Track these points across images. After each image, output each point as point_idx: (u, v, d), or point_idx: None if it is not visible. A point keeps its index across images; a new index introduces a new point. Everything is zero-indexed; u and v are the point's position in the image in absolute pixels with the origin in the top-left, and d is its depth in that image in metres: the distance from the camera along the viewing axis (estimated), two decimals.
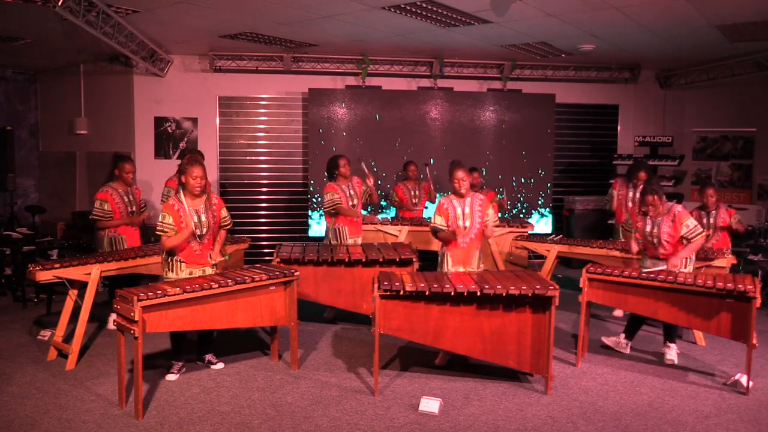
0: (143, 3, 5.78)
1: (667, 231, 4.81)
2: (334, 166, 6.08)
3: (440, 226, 4.84)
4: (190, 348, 4.84)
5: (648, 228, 4.92)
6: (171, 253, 4.48)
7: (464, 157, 8.43)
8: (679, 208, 4.84)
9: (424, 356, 5.04)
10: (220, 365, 4.82)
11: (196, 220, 4.44)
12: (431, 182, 7.44)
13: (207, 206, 4.54)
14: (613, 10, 5.87)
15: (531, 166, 8.75)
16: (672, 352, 4.97)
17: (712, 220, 5.85)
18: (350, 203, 6.04)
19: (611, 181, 6.57)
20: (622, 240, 6.23)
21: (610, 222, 6.73)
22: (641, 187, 6.13)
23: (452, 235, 4.78)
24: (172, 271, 4.50)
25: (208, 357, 4.84)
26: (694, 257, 4.94)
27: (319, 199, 8.40)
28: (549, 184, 8.81)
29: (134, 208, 5.69)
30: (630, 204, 6.27)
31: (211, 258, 4.61)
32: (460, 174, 4.78)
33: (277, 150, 8.77)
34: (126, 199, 5.63)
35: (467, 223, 4.81)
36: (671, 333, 5.04)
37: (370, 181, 6.32)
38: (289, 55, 8.24)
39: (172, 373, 4.59)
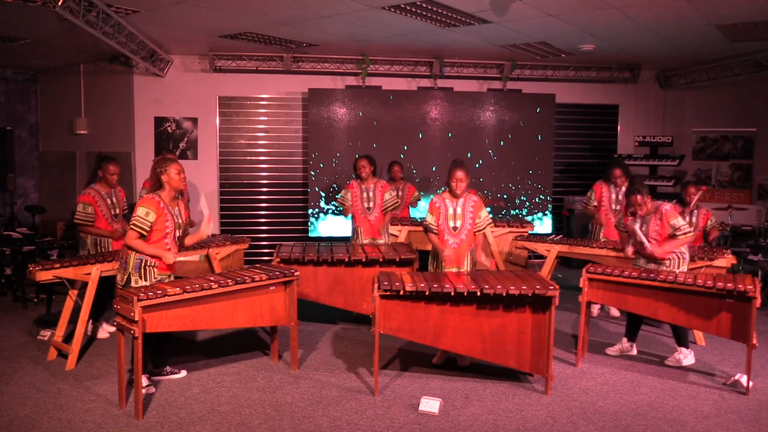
0: (143, 3, 5.78)
1: (656, 229, 4.83)
2: (354, 166, 6.24)
3: (431, 225, 4.84)
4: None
5: (637, 226, 4.92)
6: (137, 251, 4.16)
7: (464, 157, 8.47)
8: (667, 206, 4.85)
9: (424, 356, 5.04)
10: (183, 373, 4.61)
11: (178, 221, 4.34)
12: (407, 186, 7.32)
13: (180, 209, 4.42)
14: (613, 10, 5.87)
15: (531, 166, 8.75)
16: (680, 356, 4.92)
17: (694, 219, 5.89)
18: (365, 205, 6.09)
19: (594, 184, 6.54)
20: (602, 240, 6.22)
21: (589, 225, 6.63)
22: (621, 186, 6.18)
23: (439, 246, 4.81)
24: (145, 279, 4.19)
25: (167, 369, 4.59)
26: (687, 257, 4.91)
27: (326, 199, 8.41)
28: (540, 185, 8.82)
29: (117, 211, 5.55)
30: (614, 206, 6.26)
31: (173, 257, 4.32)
32: (459, 174, 4.77)
33: (277, 150, 8.77)
34: (109, 201, 5.47)
35: (458, 224, 4.81)
36: (681, 337, 4.96)
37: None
38: (289, 55, 8.24)
39: (149, 386, 4.32)
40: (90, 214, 5.34)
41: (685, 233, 4.76)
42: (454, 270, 4.81)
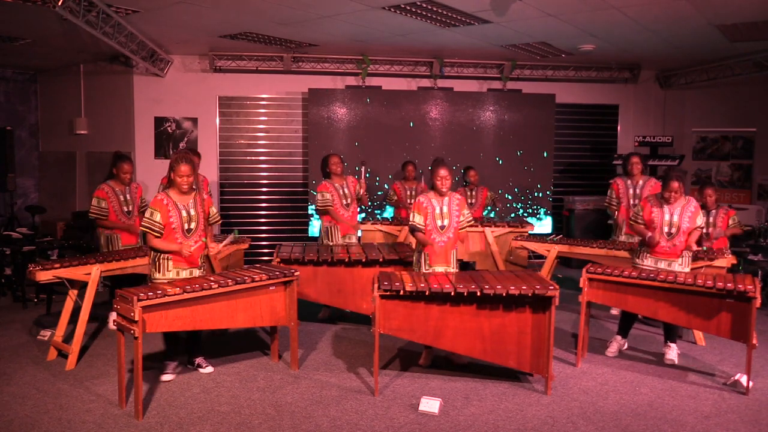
0: (143, 3, 5.78)
1: (687, 220, 4.81)
2: (325, 164, 6.23)
3: (419, 225, 4.82)
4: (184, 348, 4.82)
5: (667, 217, 4.84)
6: (157, 250, 4.35)
7: (464, 157, 8.47)
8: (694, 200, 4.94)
9: None
10: (210, 369, 4.72)
11: (185, 215, 4.36)
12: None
13: (195, 202, 4.45)
14: (613, 10, 5.87)
15: (531, 166, 8.75)
16: (672, 353, 4.97)
17: (711, 219, 5.85)
18: (343, 202, 6.12)
19: (611, 181, 6.47)
20: (623, 239, 6.18)
21: (610, 222, 6.66)
22: (636, 175, 6.07)
23: (428, 240, 4.80)
24: (159, 272, 4.36)
25: (198, 360, 4.74)
26: (690, 256, 4.98)
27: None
28: (548, 188, 8.82)
29: (131, 208, 5.66)
30: (633, 201, 6.14)
31: (207, 250, 4.48)
32: (442, 172, 4.77)
33: (277, 150, 8.77)
34: (122, 198, 5.61)
35: (445, 222, 4.81)
36: (671, 333, 5.05)
37: (362, 190, 6.33)
38: (289, 55, 8.24)
39: (167, 373, 4.54)
40: (104, 208, 5.52)
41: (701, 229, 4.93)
42: (442, 269, 4.81)
